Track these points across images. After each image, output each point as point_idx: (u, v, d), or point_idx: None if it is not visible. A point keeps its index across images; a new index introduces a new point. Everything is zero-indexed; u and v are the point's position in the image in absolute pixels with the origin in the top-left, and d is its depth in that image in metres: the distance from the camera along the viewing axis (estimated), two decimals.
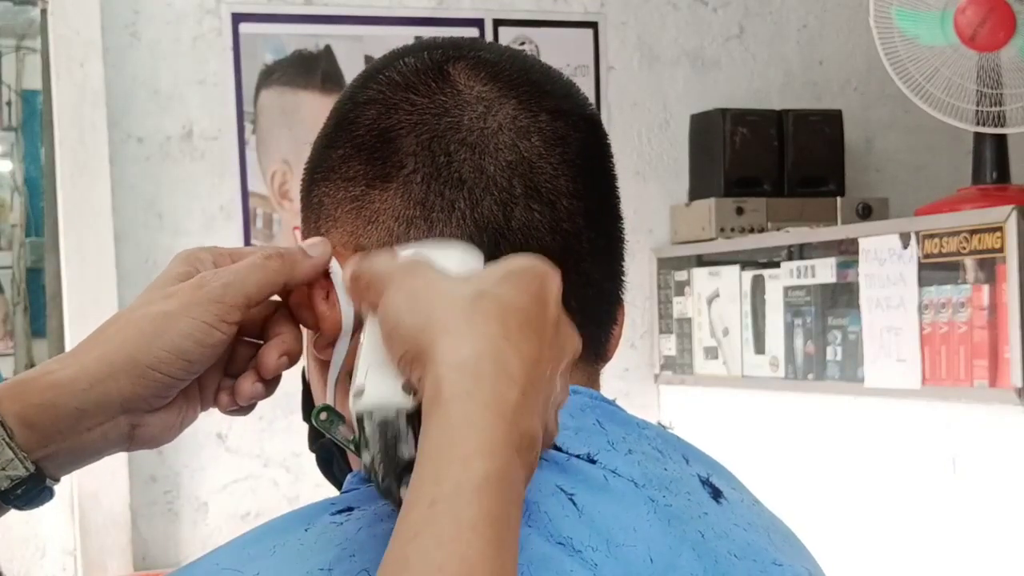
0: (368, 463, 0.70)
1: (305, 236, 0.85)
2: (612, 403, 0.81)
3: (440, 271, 0.71)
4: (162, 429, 0.84)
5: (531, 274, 0.70)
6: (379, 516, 0.72)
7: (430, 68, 0.83)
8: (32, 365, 3.68)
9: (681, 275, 3.09)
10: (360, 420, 0.71)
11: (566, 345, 0.71)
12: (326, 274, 0.81)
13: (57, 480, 0.83)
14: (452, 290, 0.69)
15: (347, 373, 0.80)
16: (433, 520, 0.62)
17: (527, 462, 0.65)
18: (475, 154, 0.80)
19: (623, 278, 0.87)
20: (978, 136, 2.57)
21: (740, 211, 2.98)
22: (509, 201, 0.80)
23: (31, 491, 0.80)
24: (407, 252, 0.75)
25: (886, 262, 2.40)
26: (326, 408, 0.78)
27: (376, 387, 0.72)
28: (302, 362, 0.88)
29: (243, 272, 0.80)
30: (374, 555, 0.69)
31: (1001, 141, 2.55)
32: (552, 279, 0.71)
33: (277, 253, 0.80)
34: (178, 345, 0.79)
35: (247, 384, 0.82)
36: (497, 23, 3.10)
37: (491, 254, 0.79)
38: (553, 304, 0.70)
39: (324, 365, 0.84)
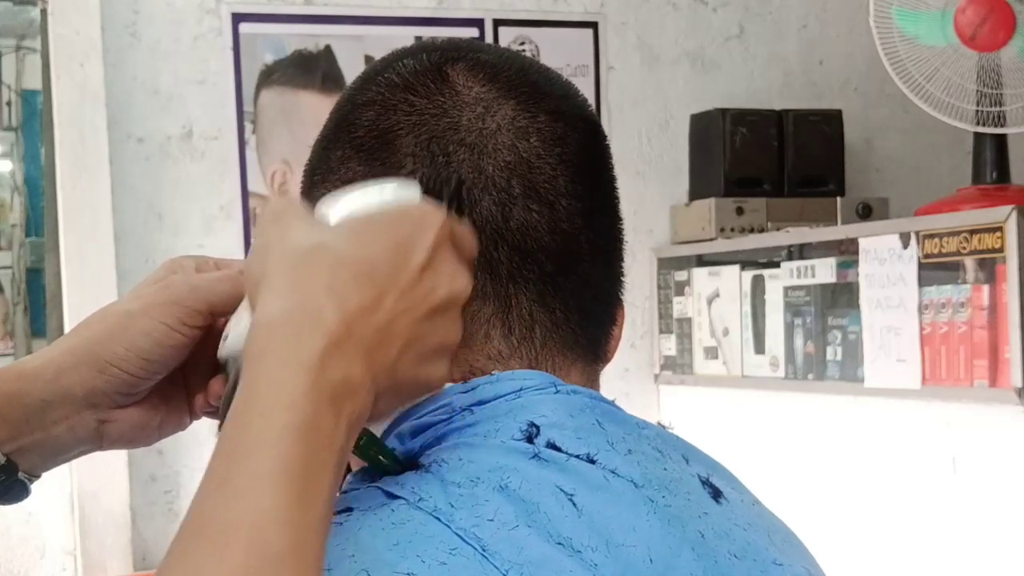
0: (220, 408, 0.72)
1: None
2: (612, 403, 0.82)
3: (307, 221, 0.72)
4: (133, 428, 0.85)
5: (400, 221, 0.72)
6: (379, 516, 0.72)
7: (429, 69, 0.83)
8: None
9: (681, 275, 3.09)
10: (225, 366, 0.73)
11: (436, 287, 0.71)
12: None
13: (33, 477, 0.84)
14: (293, 242, 0.70)
15: None
16: (232, 473, 0.63)
17: (345, 410, 0.66)
18: (474, 154, 0.80)
19: (623, 279, 0.87)
20: (978, 136, 2.57)
21: (740, 211, 2.98)
22: (507, 201, 0.80)
23: (3, 483, 0.81)
24: (326, 197, 0.76)
25: (886, 262, 2.40)
26: None
27: (235, 335, 0.74)
28: None
29: (212, 280, 0.82)
30: (374, 555, 0.69)
31: (1001, 141, 2.55)
32: (428, 223, 0.72)
33: None
34: (136, 343, 0.81)
35: (217, 385, 0.83)
36: (497, 23, 3.10)
37: (490, 254, 0.79)
38: (420, 249, 0.71)
39: None
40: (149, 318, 0.80)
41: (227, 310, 0.80)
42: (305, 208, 0.75)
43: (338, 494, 0.80)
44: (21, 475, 0.83)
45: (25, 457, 0.82)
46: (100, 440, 0.85)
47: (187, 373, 0.85)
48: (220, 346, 0.76)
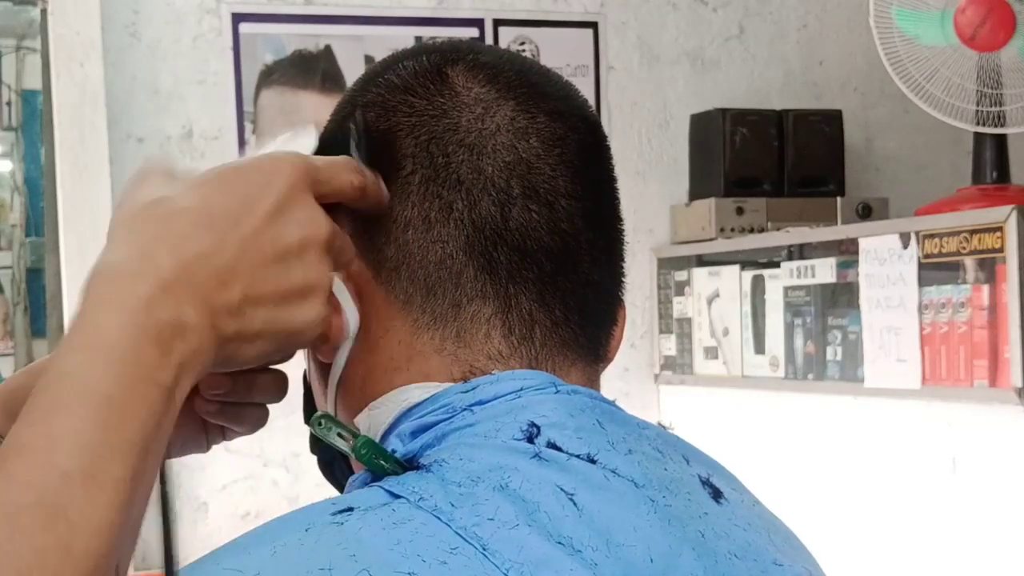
0: None
1: None
2: (612, 403, 0.82)
3: (164, 178, 0.74)
4: None
5: (248, 171, 0.74)
6: (380, 516, 0.72)
7: (429, 71, 0.83)
8: None
9: (681, 275, 3.09)
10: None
11: (286, 232, 0.73)
12: None
13: None
14: (140, 197, 0.72)
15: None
16: (36, 404, 0.64)
17: (176, 349, 0.67)
18: (473, 155, 0.80)
19: (623, 279, 0.87)
20: (978, 136, 2.57)
21: (740, 211, 2.98)
22: (507, 202, 0.80)
23: None
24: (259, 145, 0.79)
25: (886, 262, 2.40)
26: (325, 415, 0.79)
27: None
28: (304, 364, 0.88)
29: None
30: (375, 555, 0.69)
31: (1001, 141, 2.55)
32: (278, 171, 0.74)
33: None
34: None
35: (212, 376, 0.83)
36: (497, 23, 3.10)
37: (489, 255, 0.79)
38: (268, 196, 0.72)
39: (324, 369, 0.85)
40: None
41: None
42: (169, 166, 0.76)
43: (338, 494, 0.80)
44: None
45: None
46: None
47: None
48: None
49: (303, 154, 0.77)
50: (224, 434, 0.89)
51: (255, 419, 0.86)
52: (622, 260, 0.87)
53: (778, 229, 2.90)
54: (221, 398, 0.84)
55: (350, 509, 0.73)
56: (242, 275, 0.71)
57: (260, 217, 0.72)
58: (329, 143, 0.85)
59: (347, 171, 0.78)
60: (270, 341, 0.74)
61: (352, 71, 2.94)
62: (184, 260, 0.69)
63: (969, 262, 2.24)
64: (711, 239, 2.99)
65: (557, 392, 0.79)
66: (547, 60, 3.04)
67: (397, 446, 0.78)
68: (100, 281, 0.68)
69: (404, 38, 2.99)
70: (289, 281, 0.73)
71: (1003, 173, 2.55)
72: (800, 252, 2.73)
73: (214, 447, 0.91)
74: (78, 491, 0.61)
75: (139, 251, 0.69)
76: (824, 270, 2.61)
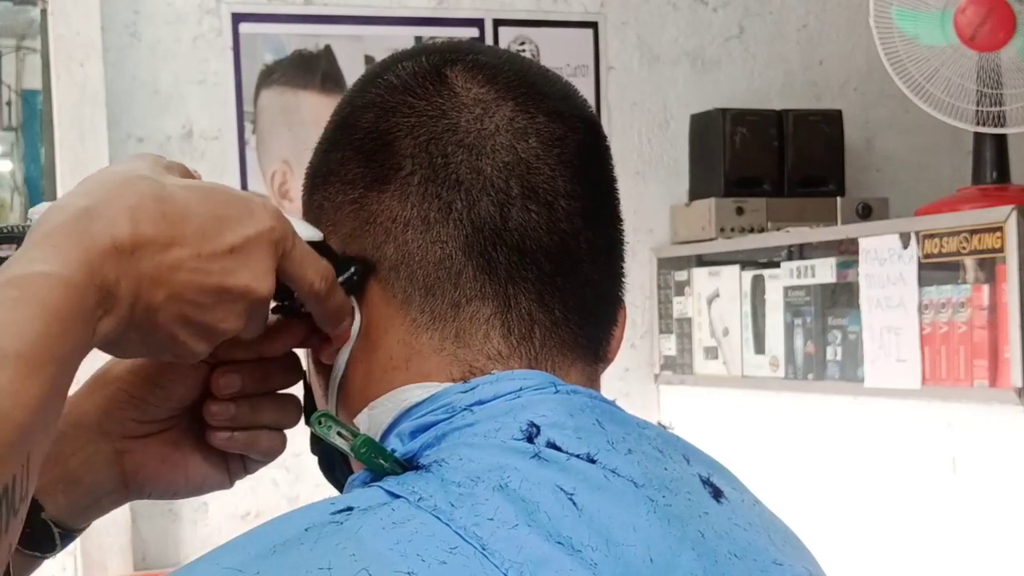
0: None
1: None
2: (612, 403, 0.82)
3: (162, 164, 0.77)
4: (156, 460, 0.85)
5: (238, 203, 0.76)
6: (380, 516, 0.72)
7: (428, 71, 0.83)
8: None
9: (681, 275, 3.09)
10: None
11: (236, 273, 0.75)
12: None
13: (62, 529, 0.84)
14: (125, 170, 0.75)
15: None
16: (5, 291, 0.67)
17: (103, 305, 0.70)
18: (472, 155, 0.80)
19: (623, 279, 0.87)
20: (978, 136, 2.57)
21: (740, 211, 2.98)
22: (506, 202, 0.80)
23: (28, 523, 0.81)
24: None
25: (886, 262, 2.40)
26: (325, 415, 0.79)
27: None
28: (305, 365, 0.88)
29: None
30: (375, 554, 0.69)
31: (1001, 141, 2.55)
32: (259, 219, 0.76)
33: None
34: (138, 362, 0.83)
35: (220, 374, 0.85)
36: (497, 23, 3.10)
37: (488, 255, 0.79)
38: (238, 232, 0.75)
39: (324, 369, 0.85)
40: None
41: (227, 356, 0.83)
42: (167, 163, 0.78)
43: (338, 494, 0.80)
44: (44, 517, 0.83)
45: (49, 498, 0.83)
46: (124, 478, 0.86)
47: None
48: None
49: (291, 223, 0.79)
50: (246, 466, 0.90)
51: (269, 444, 0.87)
52: (622, 260, 0.87)
53: (778, 229, 2.91)
54: (229, 423, 0.84)
55: (350, 509, 0.73)
56: (175, 284, 0.73)
57: (223, 245, 0.74)
58: (327, 146, 0.86)
59: (316, 272, 0.79)
60: (155, 349, 0.76)
61: (352, 71, 2.94)
62: (140, 239, 0.71)
63: (969, 262, 2.24)
64: (711, 239, 2.99)
65: (557, 392, 0.79)
66: (547, 60, 3.04)
67: (397, 446, 0.78)
68: (72, 215, 0.71)
69: (404, 38, 2.99)
70: (209, 316, 0.75)
71: (1003, 173, 2.55)
72: (800, 252, 2.73)
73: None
74: (12, 368, 0.64)
75: (109, 209, 0.71)
76: (824, 270, 2.61)
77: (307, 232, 0.80)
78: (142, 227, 0.71)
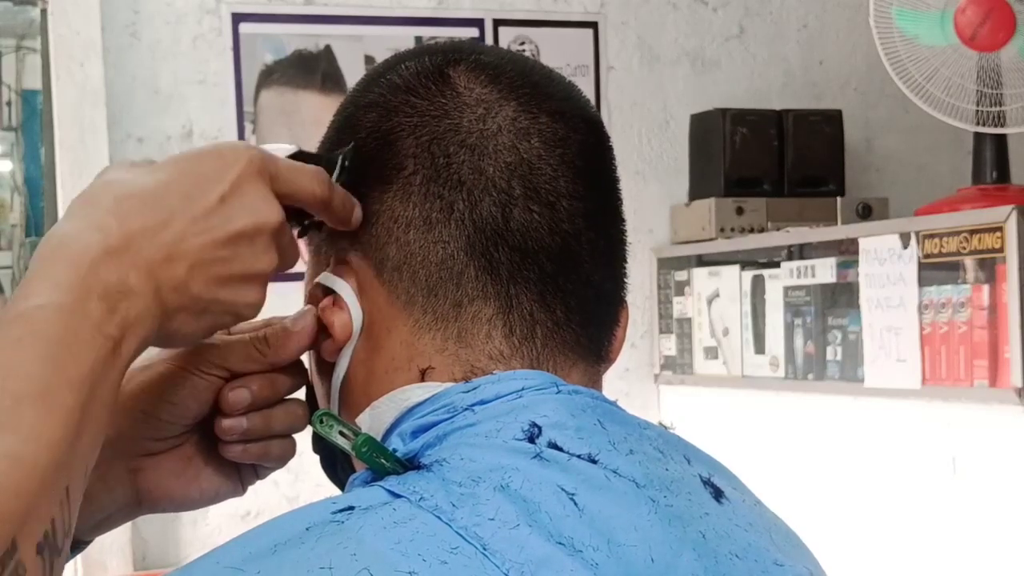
0: None
1: (309, 242, 0.86)
2: (613, 403, 0.81)
3: (129, 165, 0.77)
4: (170, 476, 0.85)
5: (205, 158, 0.77)
6: (381, 515, 0.72)
7: (430, 71, 0.83)
8: None
9: (681, 275, 3.09)
10: None
11: (235, 216, 0.75)
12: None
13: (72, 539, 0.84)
14: (99, 180, 0.76)
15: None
16: (4, 332, 0.68)
17: (120, 307, 0.71)
18: (474, 155, 0.80)
19: (625, 280, 0.87)
20: (978, 136, 2.57)
21: (740, 211, 2.98)
22: (508, 202, 0.80)
23: None
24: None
25: (886, 262, 2.40)
26: (327, 413, 0.79)
27: None
28: (306, 365, 0.88)
29: (231, 342, 0.84)
30: (376, 554, 0.69)
31: (1001, 141, 2.56)
32: (234, 158, 0.76)
33: (263, 337, 0.84)
34: (153, 380, 0.84)
35: (228, 390, 0.85)
36: (497, 23, 3.10)
37: (490, 255, 0.79)
38: (221, 181, 0.76)
39: (326, 368, 0.85)
40: (165, 362, 0.84)
41: (242, 369, 0.84)
42: (134, 159, 0.79)
43: (339, 492, 0.80)
44: None
45: None
46: (138, 495, 0.86)
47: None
48: None
49: (264, 149, 0.79)
50: (257, 473, 0.90)
51: (281, 451, 0.87)
52: (624, 261, 0.87)
53: (778, 229, 2.91)
54: (241, 438, 0.84)
55: (351, 508, 0.73)
56: (189, 253, 0.74)
57: (212, 199, 0.75)
58: (328, 146, 0.86)
59: (310, 178, 0.80)
60: (216, 318, 0.77)
61: (352, 71, 2.94)
62: (131, 232, 0.73)
63: (969, 262, 2.24)
64: (711, 239, 2.99)
65: (558, 392, 0.79)
66: (547, 60, 3.04)
67: (398, 445, 0.78)
68: (53, 245, 0.72)
69: (404, 38, 2.99)
70: (238, 265, 0.76)
71: (1003, 173, 2.55)
72: (800, 252, 2.74)
73: None
74: (28, 411, 0.65)
75: (90, 223, 0.73)
76: (824, 270, 2.61)
77: (282, 149, 0.82)
78: (128, 222, 0.73)
